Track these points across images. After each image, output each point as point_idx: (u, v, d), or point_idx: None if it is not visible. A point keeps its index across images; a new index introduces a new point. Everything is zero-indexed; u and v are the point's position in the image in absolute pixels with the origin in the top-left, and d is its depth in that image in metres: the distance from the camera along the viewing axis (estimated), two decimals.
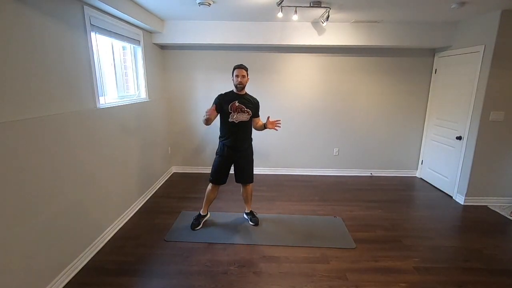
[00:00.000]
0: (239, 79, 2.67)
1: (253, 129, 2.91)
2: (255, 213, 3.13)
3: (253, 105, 2.80)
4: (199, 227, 2.94)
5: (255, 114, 2.86)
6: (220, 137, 2.88)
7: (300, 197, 3.79)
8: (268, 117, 2.76)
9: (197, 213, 3.10)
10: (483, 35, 3.34)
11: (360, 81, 4.39)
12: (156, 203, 3.56)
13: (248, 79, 2.75)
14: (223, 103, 2.73)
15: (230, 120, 2.73)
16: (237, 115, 2.72)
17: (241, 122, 2.75)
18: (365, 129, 4.57)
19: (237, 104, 2.71)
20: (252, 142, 2.95)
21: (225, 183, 2.92)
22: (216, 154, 2.90)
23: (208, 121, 2.67)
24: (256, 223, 3.01)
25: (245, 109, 2.72)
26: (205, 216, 3.06)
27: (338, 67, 4.35)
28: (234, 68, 2.71)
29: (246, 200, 3.07)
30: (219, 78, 4.39)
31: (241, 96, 2.76)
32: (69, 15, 2.23)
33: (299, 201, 3.66)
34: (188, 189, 4.03)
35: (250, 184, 3.00)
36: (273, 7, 3.11)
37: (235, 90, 2.76)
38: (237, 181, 2.95)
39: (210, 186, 2.94)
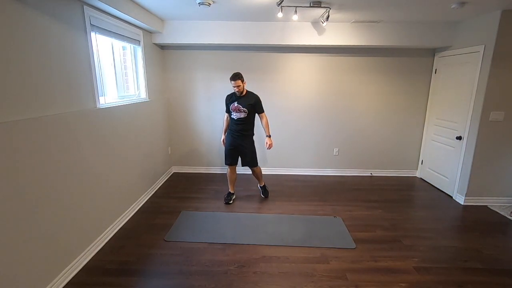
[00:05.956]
0: (236, 89, 3.21)
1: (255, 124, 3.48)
2: (267, 187, 3.79)
3: (252, 103, 3.29)
4: (231, 202, 3.55)
5: (258, 110, 3.38)
6: (228, 129, 3.51)
7: (300, 197, 3.79)
8: (268, 142, 3.44)
9: (197, 213, 3.22)
10: (483, 35, 3.34)
11: (360, 81, 4.39)
12: (156, 203, 3.56)
13: (245, 83, 3.25)
14: (228, 104, 3.39)
15: (232, 116, 3.37)
16: (235, 113, 3.32)
17: (240, 119, 3.32)
18: (365, 129, 4.57)
19: (235, 105, 3.29)
20: (254, 136, 3.49)
21: (235, 164, 3.55)
22: (223, 142, 3.58)
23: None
24: (266, 196, 3.69)
25: (242, 109, 3.28)
26: (232, 194, 3.64)
27: (338, 67, 4.35)
28: (230, 79, 3.17)
29: (257, 178, 3.68)
30: (219, 78, 4.40)
31: (241, 97, 3.29)
32: (69, 15, 2.24)
33: (299, 201, 3.65)
34: (188, 189, 4.03)
35: (256, 167, 3.54)
36: (273, 7, 3.11)
37: (236, 93, 3.29)
38: (242, 165, 3.54)
39: (227, 168, 3.60)
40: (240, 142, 3.38)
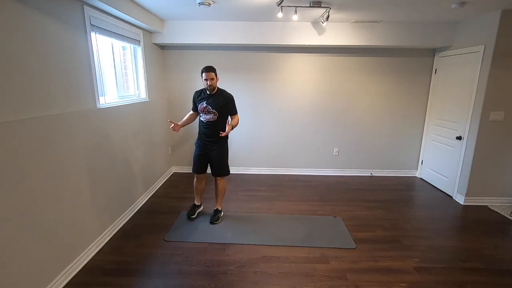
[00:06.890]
0: (208, 82, 2.77)
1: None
2: (219, 213, 3.12)
3: (223, 104, 2.86)
4: (194, 216, 3.14)
5: (231, 112, 2.94)
6: (198, 132, 3.06)
7: (300, 197, 3.79)
8: (227, 130, 2.84)
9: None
10: (483, 35, 3.34)
11: (360, 81, 4.39)
12: (156, 203, 3.56)
13: (217, 79, 2.85)
14: (196, 102, 2.97)
15: (201, 119, 2.95)
16: (204, 115, 2.89)
17: (209, 122, 2.88)
18: (365, 129, 4.57)
19: (204, 105, 2.86)
20: (227, 140, 3.06)
21: (203, 173, 3.11)
22: (195, 145, 3.11)
23: (186, 123, 3.09)
24: (212, 222, 3.02)
25: (211, 110, 2.84)
26: (198, 206, 3.25)
27: (338, 67, 4.35)
28: (202, 71, 2.78)
29: (216, 195, 3.15)
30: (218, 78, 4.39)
31: (211, 96, 2.87)
32: (69, 15, 2.23)
33: (299, 201, 3.65)
34: (188, 189, 4.02)
35: (222, 180, 3.08)
36: (273, 7, 3.11)
37: (207, 91, 2.88)
38: (211, 173, 3.06)
39: (195, 177, 3.17)
40: (210, 147, 2.94)
